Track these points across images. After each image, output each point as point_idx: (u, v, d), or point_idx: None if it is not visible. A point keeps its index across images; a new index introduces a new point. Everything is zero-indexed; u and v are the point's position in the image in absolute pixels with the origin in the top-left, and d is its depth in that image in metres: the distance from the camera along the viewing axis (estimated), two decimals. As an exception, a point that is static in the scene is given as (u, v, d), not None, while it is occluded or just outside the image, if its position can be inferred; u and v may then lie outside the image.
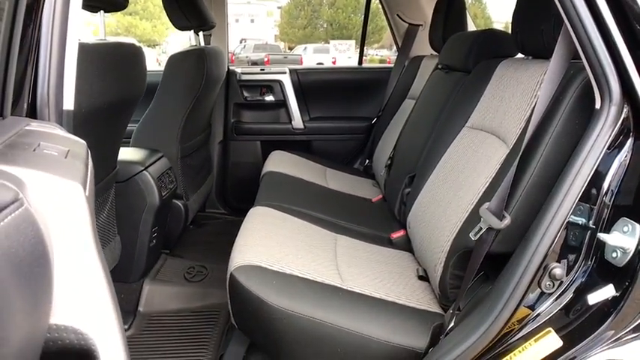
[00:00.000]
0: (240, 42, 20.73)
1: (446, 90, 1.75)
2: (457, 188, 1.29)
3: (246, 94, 2.68)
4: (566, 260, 0.86)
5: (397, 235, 1.68)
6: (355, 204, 1.98)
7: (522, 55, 1.34)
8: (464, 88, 1.61)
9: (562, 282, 0.85)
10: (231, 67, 2.67)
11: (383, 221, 1.82)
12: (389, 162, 2.03)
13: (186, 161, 2.10)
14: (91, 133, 1.26)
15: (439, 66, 1.88)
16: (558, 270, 0.84)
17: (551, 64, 0.97)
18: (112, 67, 1.26)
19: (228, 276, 1.19)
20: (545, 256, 0.85)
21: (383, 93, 2.61)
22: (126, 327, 1.72)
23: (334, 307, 1.12)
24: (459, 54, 1.71)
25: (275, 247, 1.33)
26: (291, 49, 24.62)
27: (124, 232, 1.75)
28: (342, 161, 2.67)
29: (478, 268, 1.03)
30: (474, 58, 1.61)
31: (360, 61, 2.80)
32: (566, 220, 0.85)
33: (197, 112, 2.09)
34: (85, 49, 1.06)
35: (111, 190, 1.61)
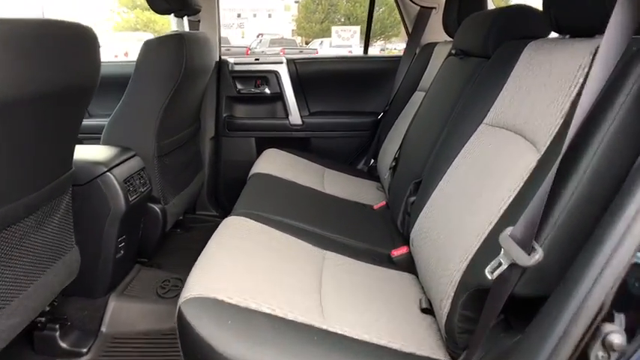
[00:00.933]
0: (257, 36, 20.62)
1: (460, 79, 1.47)
2: (470, 203, 1.02)
3: (239, 86, 2.43)
4: (627, 321, 0.59)
5: (399, 252, 1.42)
6: (353, 212, 1.72)
7: (556, 35, 1.06)
8: (482, 76, 1.33)
9: (624, 354, 0.58)
10: (223, 57, 2.42)
11: (384, 234, 1.56)
12: (393, 163, 1.76)
13: (164, 160, 1.86)
14: (24, 128, 1.03)
15: (453, 51, 1.60)
16: (617, 337, 0.57)
17: (605, 41, 0.69)
18: (41, 50, 1.02)
19: (177, 309, 0.94)
20: (598, 313, 0.58)
21: (391, 85, 2.34)
22: (84, 350, 1.50)
23: (307, 356, 0.86)
24: (477, 35, 1.43)
25: (242, 271, 1.08)
26: (307, 43, 24.35)
27: (85, 242, 1.52)
28: (344, 161, 2.41)
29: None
30: (494, 39, 1.33)
31: (366, 49, 2.52)
32: (631, 261, 0.58)
33: (177, 105, 1.85)
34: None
35: (65, 194, 1.37)
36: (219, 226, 1.34)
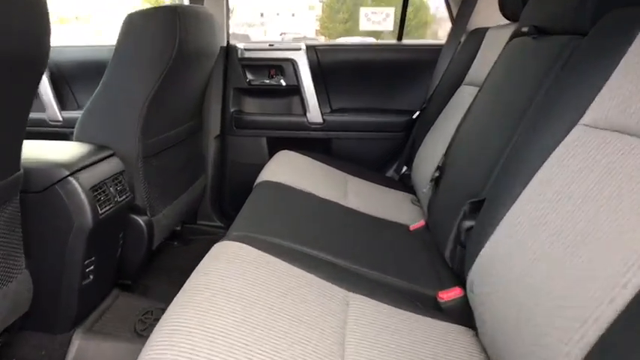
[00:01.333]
0: (280, 35, 20.48)
1: (536, 66, 1.10)
2: (576, 239, 0.65)
3: (249, 76, 2.08)
4: None
5: (449, 295, 1.06)
6: (385, 235, 1.36)
7: None
8: (574, 60, 0.95)
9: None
10: (232, 42, 2.08)
11: (426, 267, 1.19)
12: (437, 174, 1.39)
13: (151, 162, 1.52)
14: None
15: (524, 29, 1.21)
16: None
17: None
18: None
19: None
20: None
21: (429, 78, 1.97)
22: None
23: None
24: (562, 4, 1.06)
25: (231, 327, 0.73)
26: (330, 43, 23.99)
27: (40, 266, 1.19)
28: (371, 167, 2.04)
29: None
30: (593, 7, 0.96)
31: (400, 36, 2.14)
32: None
33: (169, 96, 1.51)
34: None
35: (9, 204, 1.04)
36: (207, 255, 1.00)
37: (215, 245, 1.03)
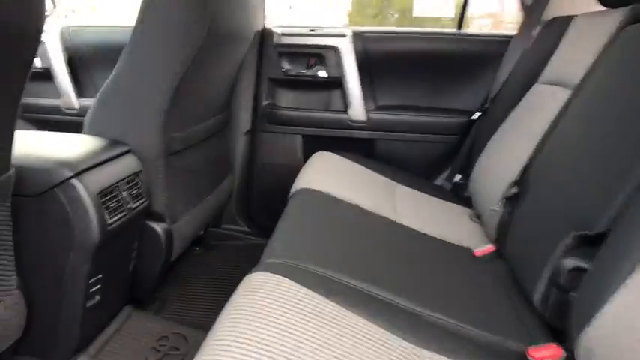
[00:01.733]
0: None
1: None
2: None
3: (285, 65, 1.85)
4: None
5: (542, 354, 0.81)
6: (449, 263, 1.12)
7: None
8: None
9: None
10: (267, 26, 1.86)
11: (507, 312, 0.95)
12: (514, 191, 1.14)
13: (173, 162, 1.31)
14: None
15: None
16: None
17: None
18: None
19: None
20: None
21: (492, 74, 1.71)
22: None
23: None
24: None
25: None
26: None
27: (37, 284, 1.00)
28: (418, 173, 1.80)
29: None
30: None
31: (460, 24, 1.88)
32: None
33: (197, 84, 1.30)
34: None
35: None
36: (238, 290, 0.78)
37: (248, 277, 0.81)
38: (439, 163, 1.82)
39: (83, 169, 0.99)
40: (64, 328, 1.06)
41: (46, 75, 2.05)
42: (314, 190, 1.29)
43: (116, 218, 1.04)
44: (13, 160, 0.83)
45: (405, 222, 1.27)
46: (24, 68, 0.76)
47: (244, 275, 0.83)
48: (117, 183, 1.07)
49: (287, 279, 0.80)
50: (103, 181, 1.03)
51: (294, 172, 1.50)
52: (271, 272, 0.81)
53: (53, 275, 1.00)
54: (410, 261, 1.06)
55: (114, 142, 1.17)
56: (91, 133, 1.21)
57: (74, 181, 0.97)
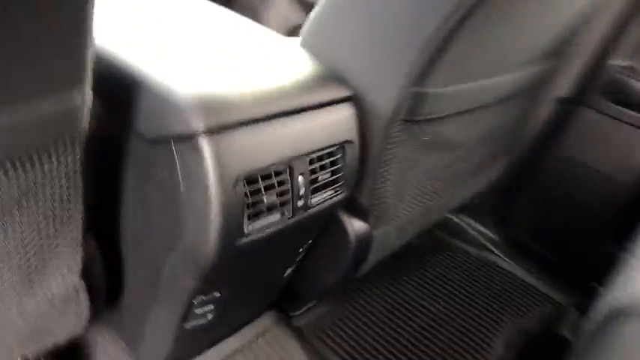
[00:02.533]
0: None
1: None
2: None
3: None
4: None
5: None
6: None
7: None
8: None
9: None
10: None
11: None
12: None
13: (416, 130, 0.71)
14: None
15: None
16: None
17: None
18: None
19: None
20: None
21: None
22: None
23: None
24: None
25: None
26: None
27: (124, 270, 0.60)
28: None
29: None
30: None
31: None
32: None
33: (501, 16, 0.63)
34: None
35: (66, 152, 0.42)
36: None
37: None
38: None
39: (230, 122, 0.48)
40: (148, 344, 0.66)
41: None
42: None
43: (263, 224, 0.53)
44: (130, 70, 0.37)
45: None
46: None
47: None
48: (296, 158, 0.54)
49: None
50: (269, 151, 0.51)
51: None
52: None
53: (143, 275, 0.58)
54: None
55: (326, 77, 0.62)
56: (305, 46, 0.68)
57: (204, 139, 0.46)
